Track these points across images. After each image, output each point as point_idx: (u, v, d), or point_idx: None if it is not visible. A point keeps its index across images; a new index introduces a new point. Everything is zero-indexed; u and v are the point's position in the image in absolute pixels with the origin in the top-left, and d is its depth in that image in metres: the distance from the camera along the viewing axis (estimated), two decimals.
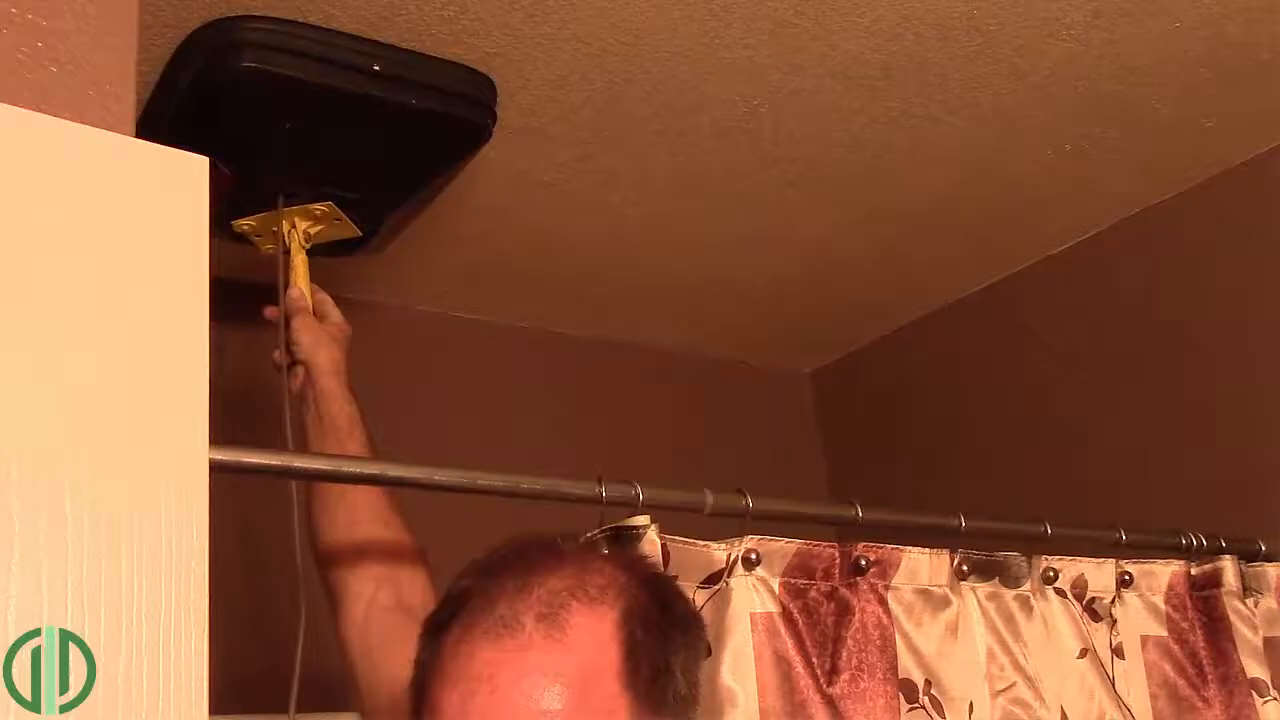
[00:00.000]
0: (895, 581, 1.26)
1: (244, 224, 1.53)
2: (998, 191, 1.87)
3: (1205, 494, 1.78)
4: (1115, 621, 1.45)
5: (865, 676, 1.20)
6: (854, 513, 1.29)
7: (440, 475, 1.08)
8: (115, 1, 0.90)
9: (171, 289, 0.82)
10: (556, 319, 2.18)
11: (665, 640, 0.82)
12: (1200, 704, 1.47)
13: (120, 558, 0.77)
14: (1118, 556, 1.49)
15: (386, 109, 1.41)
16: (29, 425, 0.75)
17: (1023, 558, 1.38)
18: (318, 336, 1.38)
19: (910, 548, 1.28)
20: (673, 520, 1.15)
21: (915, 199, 1.87)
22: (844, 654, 1.21)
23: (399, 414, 1.78)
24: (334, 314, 1.43)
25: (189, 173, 0.83)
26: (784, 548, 1.20)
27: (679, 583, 1.07)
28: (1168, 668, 1.47)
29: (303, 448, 1.32)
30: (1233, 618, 1.51)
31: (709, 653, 1.10)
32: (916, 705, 1.23)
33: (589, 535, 1.07)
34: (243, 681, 1.44)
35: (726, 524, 1.21)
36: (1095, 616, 1.44)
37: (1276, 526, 1.65)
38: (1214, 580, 1.54)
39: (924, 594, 1.29)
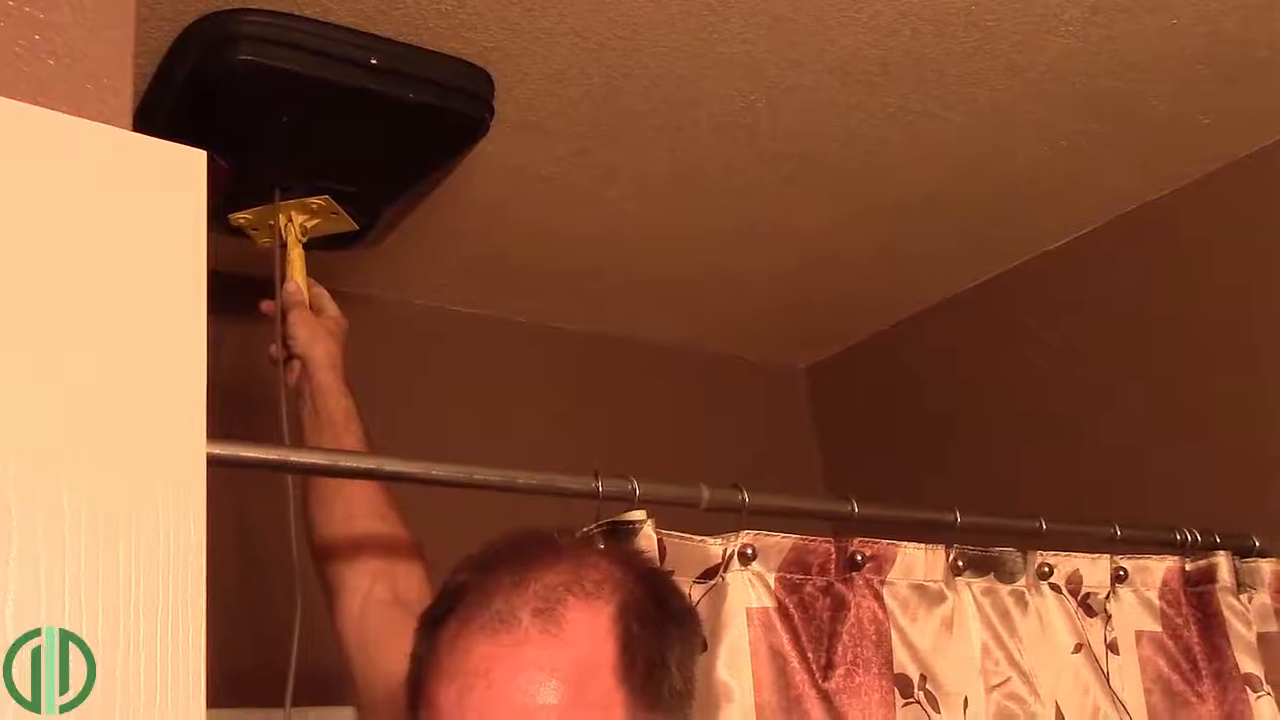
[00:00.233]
0: (891, 577, 1.27)
1: (240, 217, 1.52)
2: (994, 187, 1.87)
3: (1200, 490, 1.79)
4: (1110, 617, 1.46)
5: (861, 671, 1.21)
6: (849, 508, 1.30)
7: (437, 470, 1.08)
8: None
9: (169, 283, 0.82)
10: (554, 313, 2.18)
11: (661, 635, 0.82)
12: (1194, 699, 1.48)
13: (118, 552, 0.77)
14: (1112, 552, 1.49)
15: (384, 103, 1.41)
16: (26, 420, 0.75)
17: (1018, 553, 1.39)
18: (314, 331, 1.38)
19: (906, 543, 1.28)
20: (669, 515, 1.15)
21: (912, 194, 1.87)
22: (839, 649, 1.21)
23: (396, 408, 1.78)
24: (330, 308, 1.43)
25: (187, 166, 0.83)
26: (780, 543, 1.21)
27: (675, 578, 1.07)
28: (1162, 663, 1.48)
29: (299, 442, 1.32)
30: (1227, 613, 1.52)
31: (705, 647, 1.10)
32: (912, 700, 1.24)
33: (585, 530, 1.08)
34: (239, 675, 1.44)
35: (723, 519, 1.21)
36: (1090, 612, 1.45)
37: (1271, 522, 1.66)
38: (1208, 576, 1.54)
39: (919, 589, 1.29)
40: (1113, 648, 1.44)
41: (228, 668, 1.18)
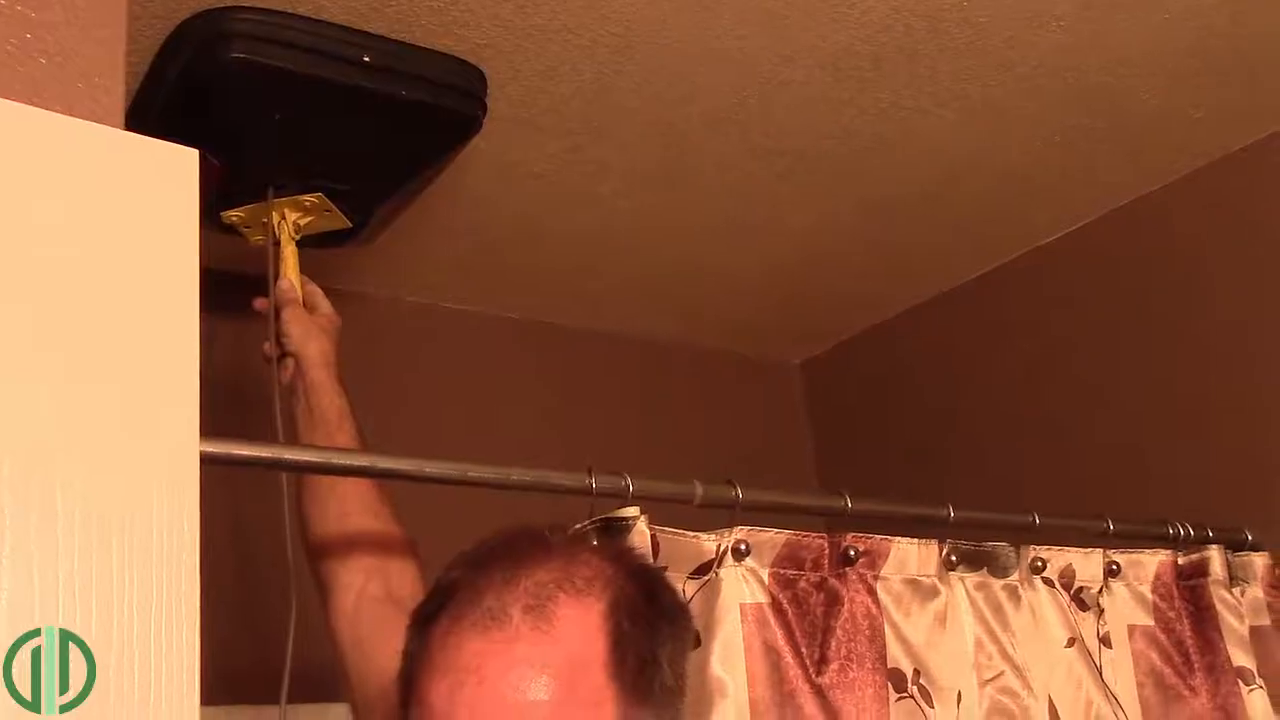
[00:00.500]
0: (884, 572, 1.27)
1: (233, 215, 1.52)
2: (987, 183, 1.88)
3: (1193, 484, 1.79)
4: (1103, 611, 1.46)
5: (854, 666, 1.21)
6: (843, 503, 1.30)
7: (430, 467, 1.08)
8: None
9: (162, 282, 0.82)
10: (547, 310, 2.18)
11: (652, 631, 0.82)
12: (1187, 693, 1.48)
13: (112, 551, 0.77)
14: (1105, 546, 1.50)
15: (376, 100, 1.41)
16: (20, 418, 0.75)
17: (1011, 548, 1.39)
18: (307, 328, 1.38)
19: (899, 538, 1.29)
20: (663, 511, 1.15)
21: (905, 190, 1.88)
22: (833, 644, 1.22)
23: (389, 405, 1.78)
24: (324, 305, 1.43)
25: (179, 165, 0.83)
26: (773, 538, 1.21)
27: (669, 573, 1.07)
28: (1154, 657, 1.48)
29: (292, 439, 1.32)
30: (1219, 607, 1.53)
31: (698, 643, 1.11)
32: (905, 694, 1.24)
33: (579, 526, 1.08)
34: (234, 673, 1.45)
35: (716, 515, 1.22)
36: (1083, 606, 1.45)
37: (1263, 516, 1.66)
38: (1201, 570, 1.55)
39: (912, 584, 1.29)
40: (1105, 641, 1.45)
41: (222, 665, 1.18)
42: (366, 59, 1.38)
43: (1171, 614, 1.52)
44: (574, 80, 1.52)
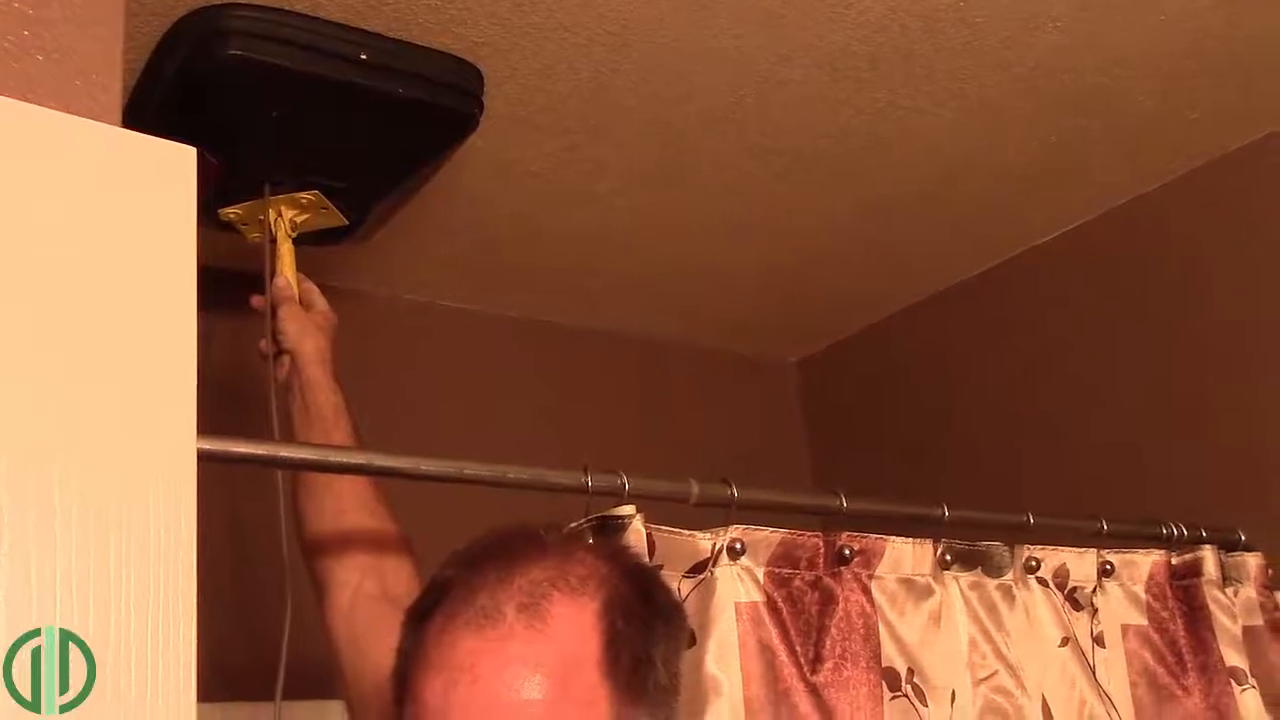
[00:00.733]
0: (879, 571, 1.27)
1: (230, 212, 1.52)
2: (984, 182, 1.88)
3: (1187, 484, 1.80)
4: (1096, 610, 1.46)
5: (849, 665, 1.21)
6: (838, 503, 1.30)
7: (426, 465, 1.09)
8: None
9: (160, 279, 0.82)
10: (543, 308, 2.18)
11: (647, 630, 0.82)
12: (1180, 692, 1.49)
13: (109, 548, 0.77)
14: (1099, 546, 1.50)
15: (373, 98, 1.41)
16: (17, 415, 0.75)
17: (1005, 547, 1.39)
18: (304, 326, 1.38)
19: (894, 537, 1.29)
20: (658, 510, 1.16)
21: (902, 189, 1.88)
22: (828, 643, 1.22)
23: (385, 403, 1.78)
24: (320, 303, 1.43)
25: (177, 163, 0.83)
26: (769, 537, 1.21)
27: (664, 572, 1.08)
28: (1148, 656, 1.49)
29: (288, 437, 1.33)
30: (1212, 607, 1.53)
31: (693, 642, 1.11)
32: (899, 694, 1.24)
33: (574, 525, 1.08)
34: (229, 670, 1.45)
35: (712, 513, 1.22)
36: (1076, 605, 1.45)
37: (1256, 516, 1.67)
38: (1194, 570, 1.55)
39: (907, 583, 1.30)
40: (1099, 641, 1.45)
41: (218, 662, 1.18)
42: (363, 57, 1.38)
43: (1165, 614, 1.52)
44: (571, 79, 1.52)
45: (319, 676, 1.27)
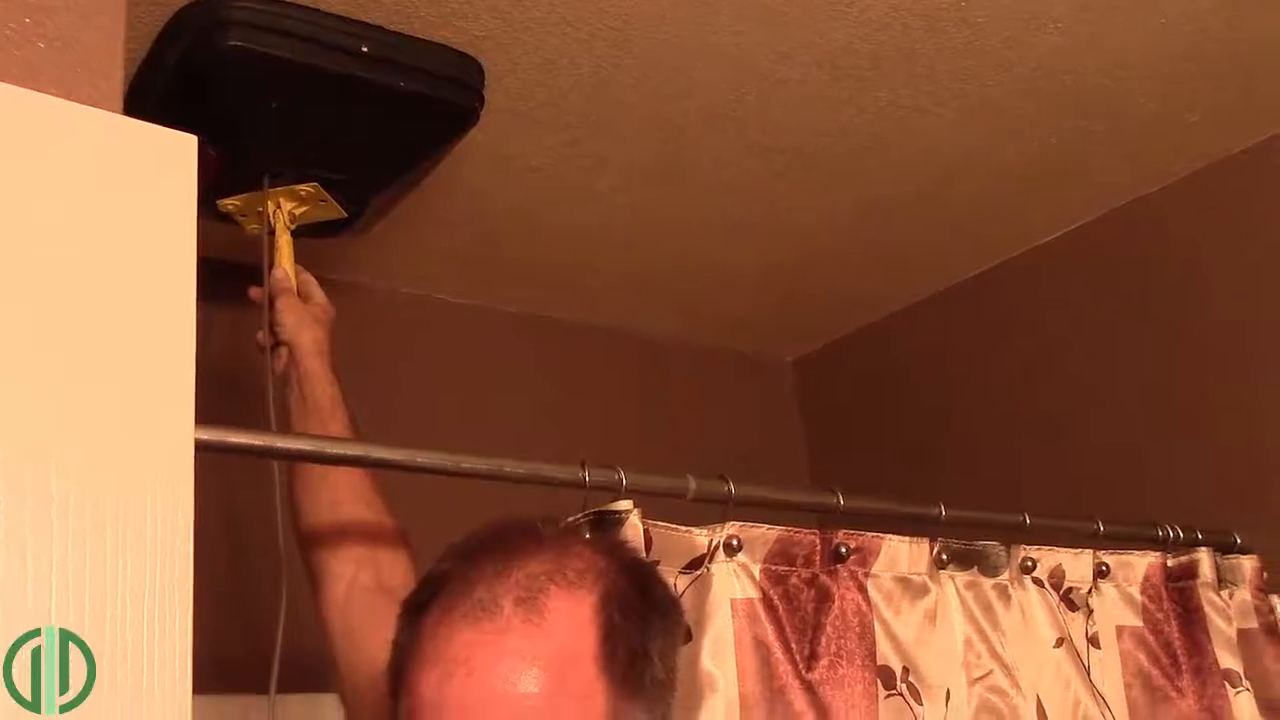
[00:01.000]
0: (875, 569, 1.28)
1: (229, 204, 1.52)
2: (984, 182, 1.88)
3: (1183, 486, 1.80)
4: (1091, 611, 1.47)
5: (844, 663, 1.21)
6: (835, 500, 1.30)
7: (423, 457, 1.08)
8: None
9: (159, 267, 0.82)
10: (541, 304, 2.18)
11: (644, 625, 0.82)
12: (1174, 694, 1.49)
13: (105, 538, 0.77)
14: (1095, 547, 1.50)
15: (374, 90, 1.41)
16: (15, 405, 0.75)
17: (1001, 547, 1.39)
18: (301, 317, 1.38)
19: (890, 536, 1.29)
20: (655, 506, 1.15)
21: (902, 189, 1.88)
22: (823, 640, 1.22)
23: (383, 397, 1.78)
24: (318, 295, 1.43)
25: (178, 151, 0.83)
26: (765, 534, 1.21)
27: (661, 568, 1.08)
28: (1142, 658, 1.49)
29: (285, 428, 1.32)
30: (1207, 609, 1.53)
31: (689, 638, 1.11)
32: (894, 692, 1.24)
33: (571, 520, 1.08)
34: (223, 662, 1.44)
35: (708, 510, 1.22)
36: (1072, 606, 1.46)
37: (1252, 519, 1.67)
38: (1189, 572, 1.55)
39: (903, 582, 1.30)
40: (1094, 642, 1.46)
41: (212, 654, 1.18)
42: (364, 49, 1.38)
43: (1160, 615, 1.52)
44: (572, 74, 1.52)
45: (314, 669, 1.27)
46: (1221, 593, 1.56)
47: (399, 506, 1.30)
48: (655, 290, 2.18)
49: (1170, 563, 1.57)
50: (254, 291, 1.44)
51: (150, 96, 1.37)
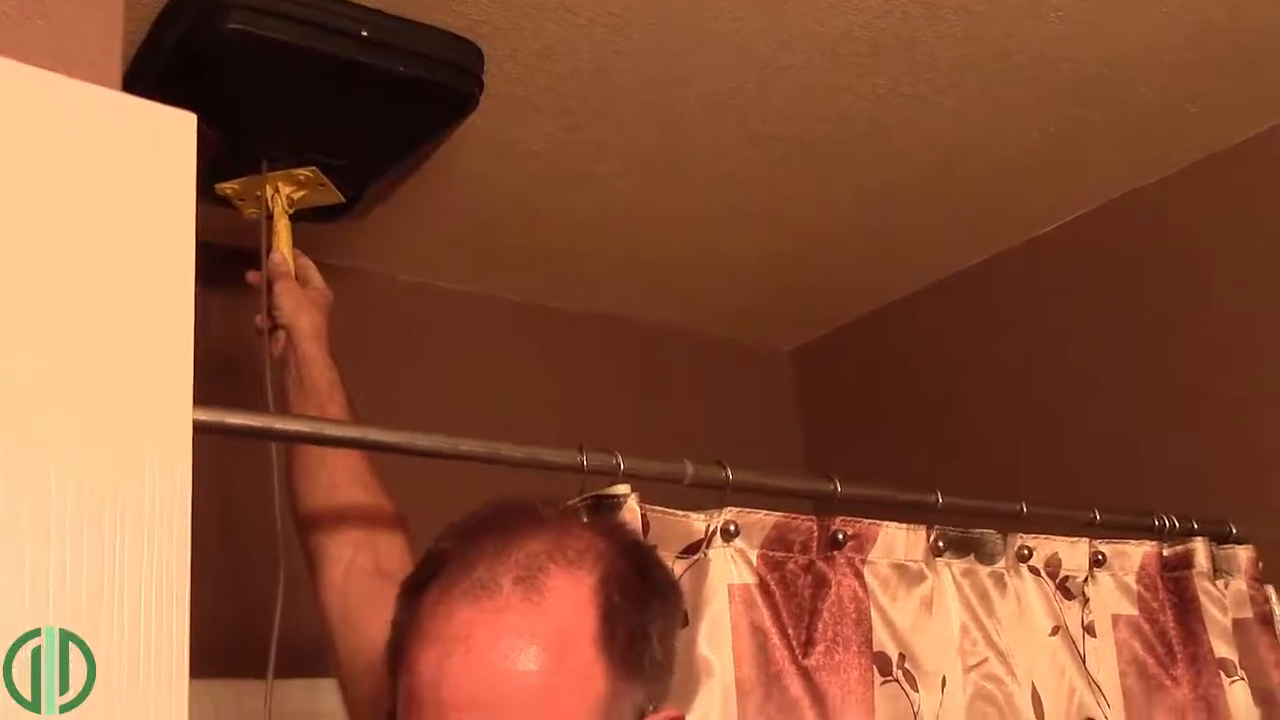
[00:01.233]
0: (872, 556, 1.28)
1: (227, 188, 1.52)
2: (984, 172, 1.88)
3: (1179, 476, 1.80)
4: (1087, 600, 1.47)
5: (840, 649, 1.22)
6: (832, 487, 1.30)
7: (421, 440, 1.08)
8: None
9: (158, 245, 0.82)
10: (540, 291, 2.18)
11: (643, 607, 0.82)
12: (1169, 683, 1.49)
13: (104, 519, 0.77)
14: (1091, 536, 1.51)
15: (373, 75, 1.40)
16: (11, 386, 0.75)
17: (998, 535, 1.40)
18: (299, 301, 1.37)
19: (887, 523, 1.29)
20: (652, 492, 1.15)
21: (902, 178, 1.88)
22: (820, 626, 1.22)
23: (380, 383, 1.77)
24: (316, 279, 1.42)
25: (177, 128, 0.83)
26: (763, 520, 1.21)
27: (658, 552, 1.07)
28: (1138, 646, 1.49)
29: (283, 412, 1.32)
30: (1203, 599, 1.53)
31: (685, 623, 1.11)
32: (890, 678, 1.24)
33: (569, 503, 1.08)
34: (220, 646, 1.44)
35: (705, 498, 1.22)
36: (1068, 595, 1.46)
37: (1248, 509, 1.67)
38: (1185, 561, 1.56)
39: (900, 569, 1.30)
40: (1090, 630, 1.46)
41: (208, 638, 1.18)
42: (364, 33, 1.38)
43: (1155, 604, 1.53)
44: (571, 60, 1.52)
45: (312, 654, 1.27)
46: (1217, 582, 1.56)
47: (397, 491, 1.30)
48: (654, 278, 2.18)
49: (1166, 552, 1.57)
50: (252, 276, 1.44)
51: (149, 78, 1.36)
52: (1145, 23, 1.53)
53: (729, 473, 1.23)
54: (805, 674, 1.18)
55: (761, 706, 1.14)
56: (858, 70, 1.59)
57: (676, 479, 1.20)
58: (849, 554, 1.26)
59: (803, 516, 1.25)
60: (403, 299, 2.06)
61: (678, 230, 2.00)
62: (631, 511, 1.10)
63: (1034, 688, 1.35)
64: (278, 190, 1.51)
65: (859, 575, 1.25)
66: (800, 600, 1.22)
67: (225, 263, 1.44)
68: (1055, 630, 1.40)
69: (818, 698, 1.18)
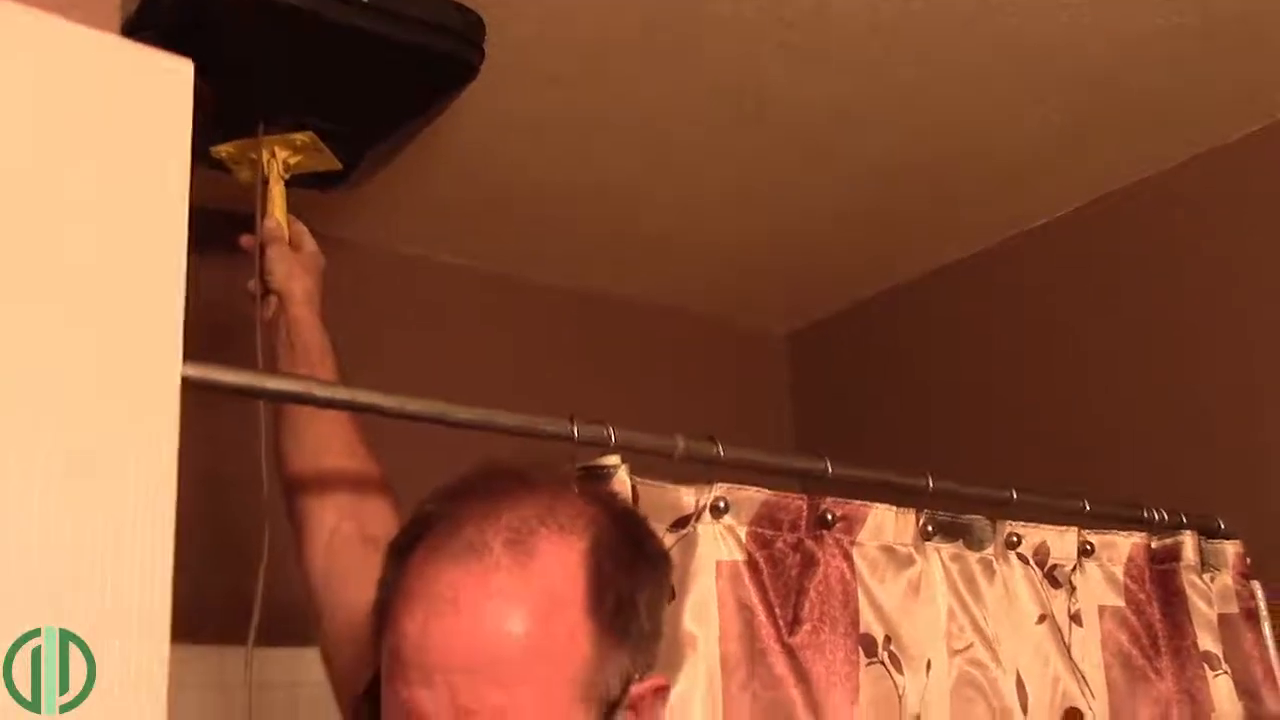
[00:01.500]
0: (860, 537, 1.27)
1: (222, 150, 1.50)
2: (985, 160, 1.87)
3: (1170, 469, 1.80)
4: (1074, 589, 1.47)
5: (826, 629, 1.21)
6: (823, 466, 1.30)
7: (413, 405, 1.07)
8: None
9: (151, 193, 0.81)
10: (535, 266, 2.16)
11: (633, 574, 0.81)
12: (1153, 674, 1.49)
13: (93, 471, 0.76)
14: (1080, 526, 1.50)
15: (373, 40, 1.39)
16: None
17: (987, 522, 1.39)
18: (292, 267, 1.36)
19: (877, 504, 1.29)
20: (642, 469, 1.14)
21: (902, 164, 1.87)
22: (806, 605, 1.21)
23: (371, 355, 1.76)
24: (309, 244, 1.41)
25: (174, 75, 0.81)
26: (752, 497, 1.21)
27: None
28: (1123, 638, 1.49)
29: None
30: (1189, 592, 1.53)
31: (672, 596, 1.10)
32: (875, 660, 1.24)
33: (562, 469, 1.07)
34: (203, 611, 1.43)
35: (694, 478, 1.21)
36: (1055, 583, 1.45)
37: (1237, 505, 1.67)
38: (1173, 554, 1.56)
39: (888, 551, 1.29)
40: (1076, 620, 1.45)
41: (191, 603, 1.17)
42: None
43: (1142, 596, 1.52)
44: (573, 32, 1.51)
45: (295, 622, 1.26)
46: (1204, 576, 1.56)
47: (386, 459, 1.28)
48: (650, 256, 2.17)
49: (1154, 545, 1.57)
50: (245, 240, 1.42)
51: (146, 34, 1.34)
52: (1151, 10, 1.52)
53: (720, 448, 1.22)
54: (790, 652, 1.18)
55: (746, 683, 1.14)
56: (858, 54, 1.58)
57: (667, 452, 1.19)
58: (838, 534, 1.25)
59: (793, 495, 1.24)
60: (396, 271, 2.05)
61: (676, 208, 1.99)
62: (621, 483, 1.09)
63: (1019, 675, 1.35)
64: (273, 154, 1.50)
65: (847, 556, 1.25)
66: (788, 579, 1.22)
67: (219, 227, 1.43)
68: (1042, 618, 1.40)
69: (802, 676, 1.17)
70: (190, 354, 0.83)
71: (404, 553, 0.81)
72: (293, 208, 1.49)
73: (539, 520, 0.79)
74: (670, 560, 0.90)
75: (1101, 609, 1.49)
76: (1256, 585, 1.62)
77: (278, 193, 1.48)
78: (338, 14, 1.36)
